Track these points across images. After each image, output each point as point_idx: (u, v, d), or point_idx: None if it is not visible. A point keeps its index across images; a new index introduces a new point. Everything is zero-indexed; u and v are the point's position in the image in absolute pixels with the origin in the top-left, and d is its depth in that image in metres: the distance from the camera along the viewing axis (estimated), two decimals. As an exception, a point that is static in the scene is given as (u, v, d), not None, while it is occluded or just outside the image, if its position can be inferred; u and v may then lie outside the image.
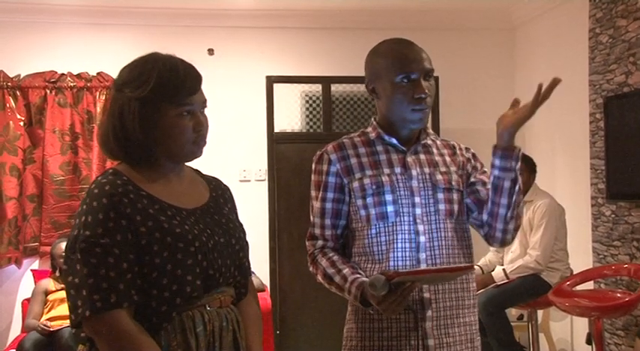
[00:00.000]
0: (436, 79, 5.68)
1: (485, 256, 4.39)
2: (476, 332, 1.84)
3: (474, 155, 1.95)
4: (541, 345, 4.39)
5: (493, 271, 4.14)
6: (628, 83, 3.97)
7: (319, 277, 1.84)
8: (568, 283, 3.87)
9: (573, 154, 4.64)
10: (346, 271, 1.76)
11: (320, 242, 1.85)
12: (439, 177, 1.82)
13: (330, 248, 1.84)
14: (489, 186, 1.78)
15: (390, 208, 1.77)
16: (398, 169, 1.81)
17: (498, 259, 4.33)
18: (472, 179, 1.88)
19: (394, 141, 1.83)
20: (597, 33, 4.26)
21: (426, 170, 1.82)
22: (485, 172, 1.91)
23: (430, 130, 1.92)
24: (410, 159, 1.83)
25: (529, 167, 4.14)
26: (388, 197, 1.77)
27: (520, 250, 4.11)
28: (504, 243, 1.84)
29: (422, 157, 1.84)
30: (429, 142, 1.89)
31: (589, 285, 4.13)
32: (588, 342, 3.96)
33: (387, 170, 1.81)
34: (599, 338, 3.64)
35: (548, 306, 4.12)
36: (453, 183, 1.83)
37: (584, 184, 4.43)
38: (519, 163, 1.74)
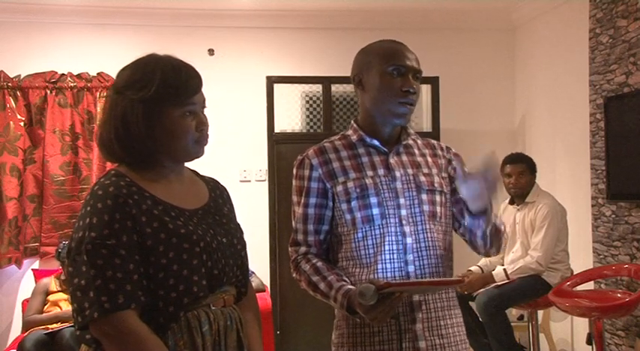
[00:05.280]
0: (436, 79, 5.73)
1: (486, 256, 4.39)
2: (463, 333, 1.84)
3: (455, 156, 1.93)
4: (541, 345, 4.39)
5: (494, 270, 4.14)
6: (628, 83, 3.97)
7: (303, 284, 1.81)
8: (568, 283, 3.87)
9: (573, 154, 4.64)
10: (331, 278, 1.74)
11: (303, 248, 1.83)
12: (422, 178, 1.81)
13: (313, 254, 1.82)
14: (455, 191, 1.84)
15: (375, 211, 1.75)
16: (381, 171, 1.79)
17: (499, 260, 4.33)
18: (455, 185, 1.87)
19: (376, 143, 1.82)
20: (597, 33, 4.26)
21: (410, 171, 1.81)
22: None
23: (411, 130, 1.91)
24: (392, 160, 1.81)
25: (530, 168, 4.14)
26: (373, 200, 1.76)
27: (521, 251, 4.11)
28: (489, 257, 1.90)
29: (404, 158, 1.83)
30: (410, 142, 1.87)
31: (589, 285, 4.13)
32: (588, 342, 3.96)
33: (370, 173, 1.79)
34: (599, 338, 3.64)
35: (548, 306, 4.13)
36: (436, 185, 1.82)
37: (584, 185, 4.43)
38: (488, 220, 1.78)
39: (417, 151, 1.87)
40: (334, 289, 1.71)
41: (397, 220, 1.75)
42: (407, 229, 1.75)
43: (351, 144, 1.85)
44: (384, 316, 1.59)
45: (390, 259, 1.73)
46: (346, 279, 1.75)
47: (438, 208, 1.80)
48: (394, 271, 1.73)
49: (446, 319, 1.77)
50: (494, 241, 1.82)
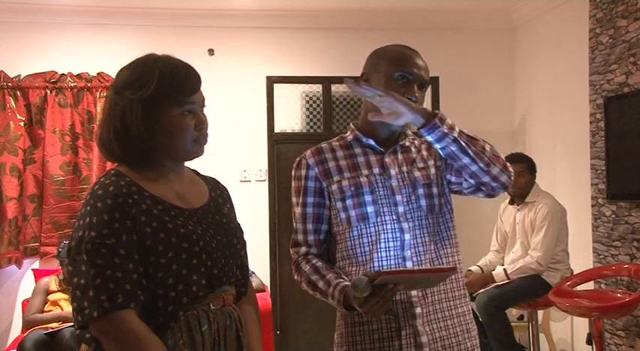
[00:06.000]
0: (436, 79, 5.74)
1: (486, 257, 4.39)
2: (471, 322, 1.84)
3: None
4: (541, 345, 4.39)
5: (494, 270, 4.14)
6: (628, 83, 3.97)
7: (303, 285, 1.82)
8: (568, 283, 3.87)
9: (574, 154, 4.64)
10: (330, 276, 1.75)
11: (303, 249, 1.84)
12: (417, 173, 1.81)
13: (313, 254, 1.83)
14: (446, 159, 1.76)
15: (370, 209, 1.76)
16: (376, 170, 1.81)
17: (499, 260, 4.33)
18: (449, 161, 1.84)
19: (372, 142, 1.83)
20: (597, 33, 4.26)
21: (404, 169, 1.82)
22: None
23: (409, 131, 1.91)
24: (388, 159, 1.82)
25: (530, 168, 4.15)
26: (367, 198, 1.77)
27: (521, 251, 4.11)
28: (506, 186, 1.78)
29: (399, 156, 1.84)
30: (407, 143, 1.88)
31: (589, 285, 4.13)
32: (588, 342, 3.96)
33: (365, 171, 1.80)
34: (599, 338, 3.64)
35: (548, 306, 4.13)
36: (432, 177, 1.82)
37: (584, 185, 4.43)
38: (447, 123, 1.67)
39: (413, 149, 1.88)
40: (332, 286, 1.72)
41: (394, 217, 1.76)
42: (405, 225, 1.76)
43: (347, 144, 1.87)
44: (379, 309, 1.58)
45: (386, 256, 1.74)
46: (345, 277, 1.76)
47: (436, 200, 1.81)
48: (390, 268, 1.73)
49: (445, 310, 1.77)
50: (495, 156, 1.72)
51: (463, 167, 1.73)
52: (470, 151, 1.69)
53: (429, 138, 1.68)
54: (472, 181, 1.77)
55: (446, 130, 1.66)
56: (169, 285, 1.41)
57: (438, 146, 1.70)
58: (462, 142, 1.68)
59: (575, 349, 4.64)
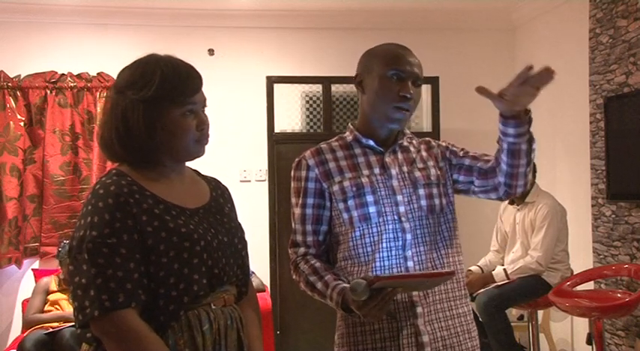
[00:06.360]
0: (436, 79, 5.73)
1: (486, 257, 4.39)
2: (471, 322, 1.84)
3: (449, 144, 1.94)
4: (541, 345, 4.39)
5: (494, 270, 4.14)
6: (628, 83, 3.97)
7: (302, 285, 1.83)
8: (568, 283, 3.87)
9: (574, 154, 4.65)
10: (328, 277, 1.75)
11: (302, 249, 1.84)
12: (417, 173, 1.82)
13: (312, 255, 1.83)
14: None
15: (372, 209, 1.76)
16: (377, 170, 1.81)
17: (499, 260, 4.33)
18: (455, 162, 1.86)
19: (371, 143, 1.84)
20: (597, 33, 4.27)
21: (405, 169, 1.82)
22: (465, 150, 1.90)
23: (407, 131, 1.92)
24: (388, 159, 1.83)
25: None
26: (369, 198, 1.77)
27: (521, 251, 4.11)
28: (522, 192, 1.83)
29: (400, 156, 1.85)
30: (406, 143, 1.88)
31: (589, 285, 4.13)
32: (588, 342, 3.96)
33: (366, 172, 1.81)
34: (599, 338, 3.64)
35: (548, 306, 4.13)
36: (432, 178, 1.83)
37: (584, 185, 4.44)
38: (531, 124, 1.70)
39: (412, 149, 1.88)
40: (330, 287, 1.72)
41: (396, 217, 1.76)
42: (406, 225, 1.76)
43: (347, 145, 1.87)
44: (378, 312, 1.58)
45: (387, 256, 1.74)
46: (343, 278, 1.76)
47: (437, 201, 1.81)
48: (392, 268, 1.74)
49: (446, 310, 1.77)
50: (532, 162, 1.74)
51: (514, 166, 1.71)
52: (532, 155, 1.72)
53: (511, 130, 1.67)
54: (502, 180, 1.75)
55: (529, 129, 1.68)
56: (170, 284, 1.41)
57: (511, 140, 1.68)
58: (533, 144, 1.70)
59: (575, 349, 4.64)
